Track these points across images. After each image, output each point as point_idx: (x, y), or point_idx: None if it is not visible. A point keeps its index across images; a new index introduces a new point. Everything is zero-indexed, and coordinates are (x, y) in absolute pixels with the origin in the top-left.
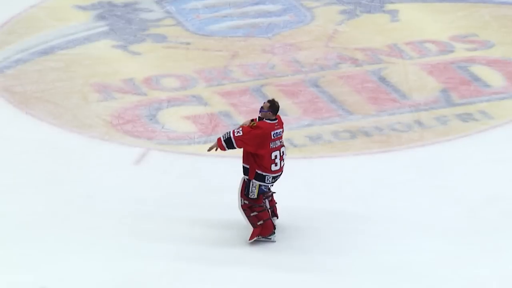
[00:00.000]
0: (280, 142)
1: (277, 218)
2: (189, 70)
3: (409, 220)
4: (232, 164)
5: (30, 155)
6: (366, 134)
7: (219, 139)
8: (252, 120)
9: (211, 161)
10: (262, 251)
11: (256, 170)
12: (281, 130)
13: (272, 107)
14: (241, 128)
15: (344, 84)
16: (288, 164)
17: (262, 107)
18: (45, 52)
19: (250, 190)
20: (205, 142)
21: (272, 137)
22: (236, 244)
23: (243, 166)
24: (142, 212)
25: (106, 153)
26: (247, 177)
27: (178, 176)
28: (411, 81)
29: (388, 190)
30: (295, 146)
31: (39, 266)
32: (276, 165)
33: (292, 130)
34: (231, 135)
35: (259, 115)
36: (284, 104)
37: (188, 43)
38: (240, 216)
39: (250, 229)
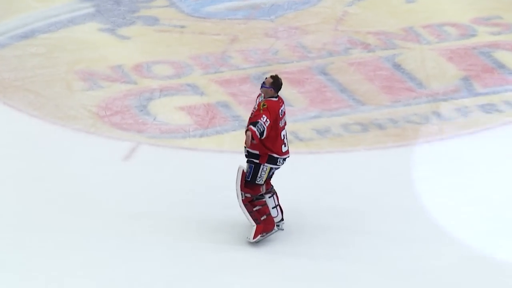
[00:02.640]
0: (285, 120)
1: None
2: (183, 56)
3: (426, 221)
4: (231, 158)
5: (7, 149)
6: (379, 126)
7: (253, 131)
8: (264, 104)
9: (208, 156)
10: (265, 256)
11: (269, 154)
12: (284, 106)
13: (275, 83)
14: (264, 116)
15: (355, 71)
16: (293, 160)
17: (264, 83)
18: (25, 36)
19: (259, 175)
20: (201, 136)
21: (280, 115)
22: (237, 247)
23: (250, 152)
24: (132, 213)
25: (92, 147)
26: (257, 161)
27: (172, 173)
28: (429, 68)
29: (403, 189)
30: (301, 140)
31: (16, 273)
32: (285, 145)
33: (298, 122)
34: (264, 125)
35: (260, 91)
36: (289, 94)
37: (182, 26)
38: (241, 216)
39: (242, 230)
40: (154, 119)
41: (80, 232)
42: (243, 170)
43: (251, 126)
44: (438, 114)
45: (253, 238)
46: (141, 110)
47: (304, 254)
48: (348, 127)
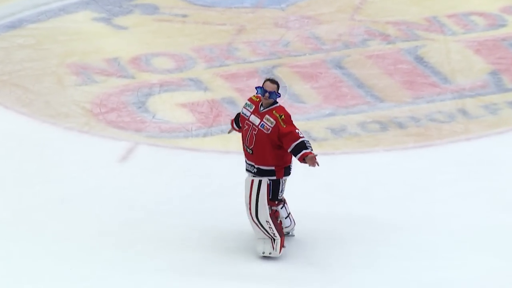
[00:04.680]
0: None
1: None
2: (185, 48)
3: (451, 229)
4: (237, 160)
5: None
6: (400, 125)
7: (309, 152)
8: (281, 115)
9: (211, 157)
10: (273, 266)
11: (284, 166)
12: None
13: (279, 87)
14: (296, 129)
15: (373, 65)
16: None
17: (271, 92)
18: (12, 26)
19: (281, 190)
20: (204, 135)
21: None
22: (243, 258)
23: (262, 170)
24: (129, 219)
25: (86, 148)
26: (273, 177)
27: (173, 176)
28: (454, 62)
29: (425, 193)
30: (314, 140)
31: (2, 285)
32: None
33: (311, 120)
34: (305, 140)
35: (262, 100)
36: (301, 89)
37: (184, 15)
38: (248, 224)
39: (250, 239)
40: (153, 117)
41: (72, 241)
42: (267, 184)
43: (306, 151)
44: (464, 112)
45: (280, 252)
46: (139, 107)
47: (317, 265)
48: (365, 126)
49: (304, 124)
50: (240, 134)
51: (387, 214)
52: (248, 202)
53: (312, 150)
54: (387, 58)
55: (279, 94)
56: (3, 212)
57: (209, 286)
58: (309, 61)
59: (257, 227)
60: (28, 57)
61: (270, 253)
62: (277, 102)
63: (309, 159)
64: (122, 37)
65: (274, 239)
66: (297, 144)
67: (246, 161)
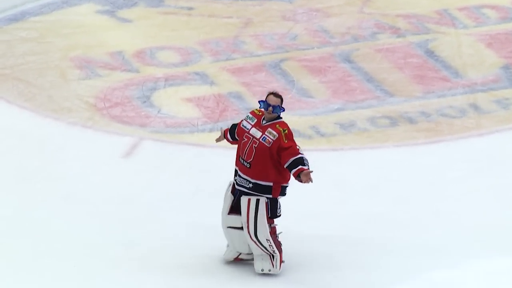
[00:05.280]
0: None
1: None
2: (191, 42)
3: (462, 226)
4: None
5: None
6: (410, 120)
7: (305, 168)
8: (284, 129)
9: (218, 153)
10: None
11: (282, 184)
12: None
13: (282, 101)
14: (297, 146)
15: (383, 59)
16: (314, 158)
17: (275, 106)
18: (15, 18)
19: (278, 207)
20: (210, 130)
21: None
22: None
23: (259, 185)
24: (133, 217)
25: (89, 143)
26: (270, 195)
27: (178, 172)
28: (466, 56)
29: (436, 190)
30: (322, 135)
31: (4, 283)
32: None
33: (319, 115)
34: (304, 157)
35: (276, 115)
36: (309, 84)
37: (190, 8)
38: None
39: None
40: (158, 112)
41: (75, 239)
42: (266, 203)
43: (303, 167)
44: (475, 107)
45: (280, 268)
46: (144, 102)
47: (324, 263)
48: (375, 121)
49: (312, 119)
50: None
51: (396, 211)
52: (245, 221)
53: (309, 167)
54: (397, 51)
55: (283, 108)
56: (5, 209)
57: (214, 284)
58: (318, 55)
59: (254, 244)
60: (30, 51)
61: (269, 270)
62: (281, 117)
63: (304, 175)
64: (127, 30)
65: (273, 256)
66: (295, 159)
67: (239, 175)
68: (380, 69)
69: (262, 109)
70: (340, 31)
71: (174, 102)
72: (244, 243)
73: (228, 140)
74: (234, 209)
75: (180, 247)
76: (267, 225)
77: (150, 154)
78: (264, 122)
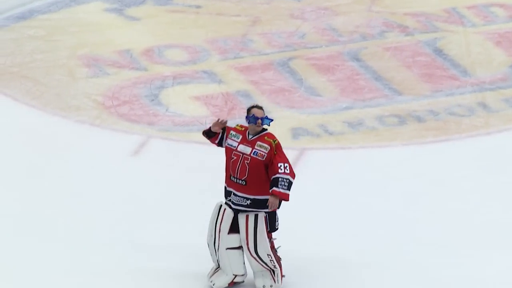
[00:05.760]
0: None
1: None
2: (199, 40)
3: (472, 225)
4: None
5: (2, 143)
6: (418, 119)
7: (285, 194)
8: (274, 140)
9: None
10: (293, 262)
11: None
12: None
13: (264, 111)
14: (286, 163)
15: (391, 57)
16: (322, 156)
17: (263, 118)
18: (23, 16)
19: (276, 220)
20: None
21: None
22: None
23: (257, 200)
24: (140, 215)
25: (97, 141)
26: (267, 210)
27: (186, 170)
28: (474, 54)
29: (445, 188)
30: (330, 133)
31: (12, 281)
32: None
33: (327, 114)
34: (291, 178)
35: (262, 127)
36: (318, 82)
37: (198, 6)
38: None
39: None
40: (166, 110)
41: (83, 236)
42: (264, 218)
43: (283, 191)
44: (484, 105)
45: (281, 283)
46: (152, 100)
47: (331, 261)
48: (383, 119)
49: (320, 118)
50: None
51: (405, 210)
52: (245, 238)
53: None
54: (406, 50)
55: (272, 118)
56: (12, 206)
57: None
58: (326, 53)
59: (255, 261)
60: (38, 49)
61: (271, 286)
62: (266, 129)
63: (274, 199)
64: (135, 28)
65: (273, 271)
66: (282, 178)
67: (235, 194)
68: (389, 68)
69: (247, 125)
70: (349, 30)
71: (182, 101)
72: (240, 263)
73: (211, 139)
74: (232, 228)
75: (187, 245)
76: (267, 240)
77: (158, 153)
78: (250, 137)
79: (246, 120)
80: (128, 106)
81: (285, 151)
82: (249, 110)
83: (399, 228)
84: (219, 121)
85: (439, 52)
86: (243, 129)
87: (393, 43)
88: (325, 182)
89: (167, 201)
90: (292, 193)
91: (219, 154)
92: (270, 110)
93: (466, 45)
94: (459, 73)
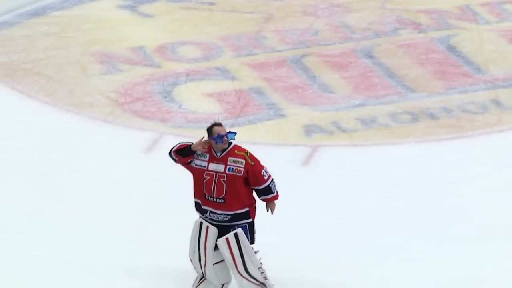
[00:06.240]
0: None
1: None
2: (212, 37)
3: (483, 223)
4: (265, 151)
5: (15, 140)
6: (431, 116)
7: (275, 196)
8: (246, 152)
9: None
10: (304, 259)
11: (254, 205)
12: None
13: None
14: (264, 169)
15: (405, 54)
16: (334, 153)
17: (227, 133)
18: (36, 13)
19: (254, 231)
20: (231, 126)
21: None
22: (270, 250)
23: (237, 214)
24: (154, 212)
25: (110, 138)
26: (249, 220)
27: None
28: (488, 51)
29: (458, 186)
30: (343, 131)
31: (24, 276)
32: None
33: (340, 111)
34: (273, 183)
35: (227, 141)
36: (331, 79)
37: (211, 3)
38: (277, 215)
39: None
40: (180, 107)
41: (96, 234)
42: (244, 232)
43: (276, 194)
44: (497, 103)
45: None
46: (165, 97)
47: (345, 258)
48: (396, 116)
49: (333, 115)
50: (270, 124)
51: (417, 207)
52: (232, 262)
53: (277, 191)
54: (419, 47)
55: (235, 131)
56: (26, 203)
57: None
58: (339, 50)
59: (246, 280)
60: (51, 45)
61: None
62: (231, 143)
63: (273, 205)
64: (148, 25)
65: (264, 284)
66: (267, 186)
67: (213, 212)
68: (402, 65)
69: (213, 144)
70: (362, 27)
71: (195, 97)
72: (227, 272)
73: (180, 157)
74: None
75: None
76: (254, 254)
77: None
78: (219, 154)
79: (212, 141)
80: (141, 103)
81: (298, 148)
82: (210, 130)
83: (411, 225)
84: (204, 140)
85: (452, 49)
86: (207, 148)
87: (407, 40)
88: (338, 179)
89: (179, 198)
90: (304, 190)
91: None
92: (283, 107)
93: (480, 42)
94: (472, 70)
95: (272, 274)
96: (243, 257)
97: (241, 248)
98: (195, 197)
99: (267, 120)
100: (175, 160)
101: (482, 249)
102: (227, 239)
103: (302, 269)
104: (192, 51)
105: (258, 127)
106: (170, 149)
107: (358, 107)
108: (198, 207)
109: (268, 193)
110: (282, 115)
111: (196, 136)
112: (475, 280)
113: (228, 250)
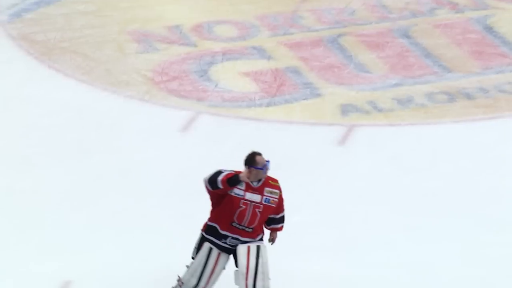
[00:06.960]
0: None
1: None
2: (249, 16)
3: None
4: (301, 130)
5: (52, 119)
6: (468, 96)
7: (283, 227)
8: (278, 183)
9: (275, 127)
10: (339, 241)
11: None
12: None
13: None
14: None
15: (441, 34)
16: (370, 133)
17: (267, 162)
18: None
19: None
20: (268, 105)
21: None
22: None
23: (259, 238)
24: (189, 190)
25: (146, 117)
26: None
27: (235, 146)
28: None
29: (494, 166)
30: (379, 110)
31: (60, 254)
32: None
33: (377, 90)
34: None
35: (262, 175)
36: (367, 59)
37: None
38: (310, 197)
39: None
40: (216, 86)
41: (131, 212)
42: (257, 246)
43: (282, 226)
44: None
45: None
46: (201, 76)
47: (380, 239)
48: (432, 96)
49: (370, 95)
50: (306, 103)
51: (454, 187)
52: (244, 270)
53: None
54: (456, 27)
55: (268, 160)
56: (62, 182)
57: None
58: (375, 30)
59: None
60: (88, 24)
61: None
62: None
63: (276, 234)
64: (184, 4)
65: None
66: (283, 215)
67: (234, 238)
68: (438, 45)
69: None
70: (399, 7)
71: (231, 77)
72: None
73: (226, 187)
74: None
75: None
76: (268, 274)
77: (207, 128)
78: (255, 184)
79: (257, 170)
80: (177, 82)
81: (334, 127)
82: (252, 159)
83: (447, 205)
84: (251, 173)
85: (489, 29)
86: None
87: (443, 20)
88: (374, 159)
89: None
90: (340, 169)
91: (268, 130)
92: (319, 86)
93: None
94: (510, 50)
95: (306, 255)
96: (257, 269)
97: (258, 260)
98: (213, 221)
99: (303, 99)
100: (215, 188)
101: None
102: (248, 247)
103: (337, 249)
104: (228, 30)
105: (294, 107)
106: (209, 177)
107: (395, 87)
108: (212, 231)
109: (280, 222)
110: (318, 95)
111: (232, 115)
112: (506, 261)
113: (246, 258)
